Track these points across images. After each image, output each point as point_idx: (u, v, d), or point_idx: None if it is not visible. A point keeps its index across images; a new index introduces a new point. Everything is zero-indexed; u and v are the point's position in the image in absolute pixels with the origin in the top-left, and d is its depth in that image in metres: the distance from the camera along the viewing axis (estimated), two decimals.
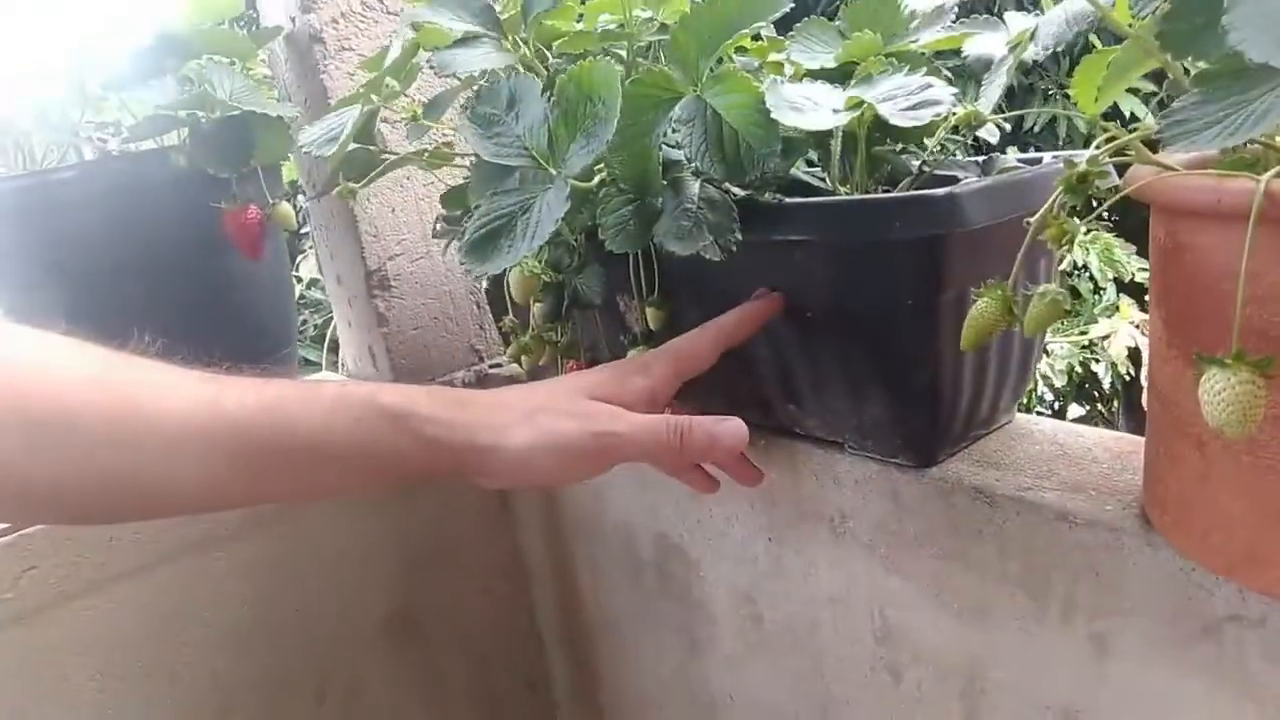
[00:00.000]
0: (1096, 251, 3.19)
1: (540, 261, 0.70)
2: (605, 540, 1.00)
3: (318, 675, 1.02)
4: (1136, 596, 0.54)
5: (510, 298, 0.76)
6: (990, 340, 0.48)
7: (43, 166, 0.84)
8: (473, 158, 0.65)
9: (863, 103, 0.52)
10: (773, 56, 0.69)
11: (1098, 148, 0.40)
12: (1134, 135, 0.40)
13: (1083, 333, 3.32)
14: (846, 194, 0.61)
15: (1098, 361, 3.37)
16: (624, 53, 0.67)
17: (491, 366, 1.08)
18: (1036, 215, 0.41)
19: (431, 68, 0.61)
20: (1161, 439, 0.50)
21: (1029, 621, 0.61)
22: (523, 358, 0.76)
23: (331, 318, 1.29)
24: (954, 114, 0.52)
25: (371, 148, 0.74)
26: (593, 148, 0.53)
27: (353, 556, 1.03)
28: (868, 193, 0.61)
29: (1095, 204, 0.43)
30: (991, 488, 0.60)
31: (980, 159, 0.64)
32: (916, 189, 0.61)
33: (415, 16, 0.62)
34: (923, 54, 0.63)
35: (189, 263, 0.86)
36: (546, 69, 0.67)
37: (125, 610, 0.88)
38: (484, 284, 0.83)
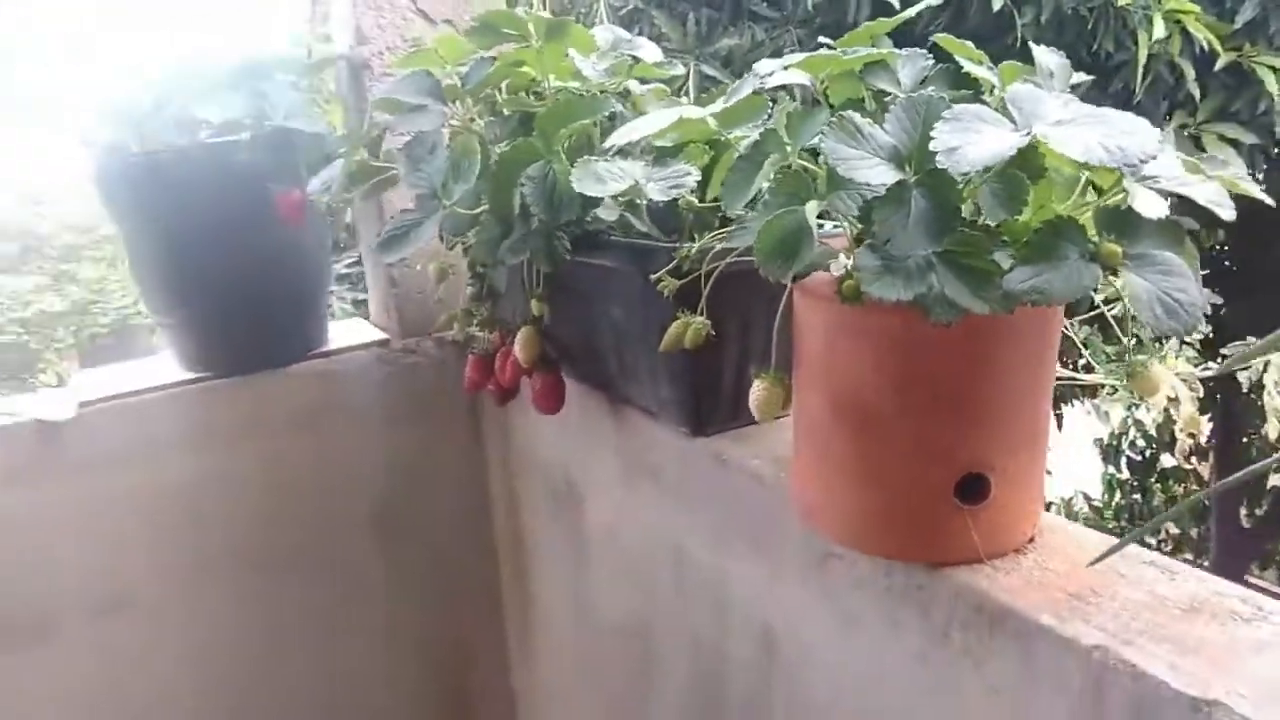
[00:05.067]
0: None
1: (467, 261, 0.99)
2: (536, 471, 1.29)
3: (312, 550, 1.35)
4: (788, 535, 0.78)
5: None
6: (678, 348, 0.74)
7: (152, 148, 1.17)
8: None
9: (635, 181, 0.78)
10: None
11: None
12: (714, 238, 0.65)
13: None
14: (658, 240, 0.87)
15: (1146, 410, 3.39)
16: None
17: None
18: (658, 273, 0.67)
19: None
20: (795, 441, 0.74)
21: (746, 554, 0.86)
22: (455, 325, 1.05)
23: None
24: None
25: (374, 163, 1.03)
26: (464, 188, 0.81)
27: (351, 460, 1.36)
28: (668, 242, 0.87)
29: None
30: (725, 455, 0.85)
31: None
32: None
33: (385, 93, 0.91)
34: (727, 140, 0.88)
35: (252, 228, 1.19)
36: (481, 126, 0.96)
37: (171, 476, 1.23)
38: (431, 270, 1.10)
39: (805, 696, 0.82)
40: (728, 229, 0.73)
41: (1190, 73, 2.61)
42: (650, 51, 0.97)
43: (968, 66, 0.63)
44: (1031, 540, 0.66)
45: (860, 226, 0.56)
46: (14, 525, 1.17)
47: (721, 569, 0.91)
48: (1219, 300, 3.09)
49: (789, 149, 0.57)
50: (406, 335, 1.37)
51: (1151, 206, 0.50)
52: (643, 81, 0.99)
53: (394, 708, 1.45)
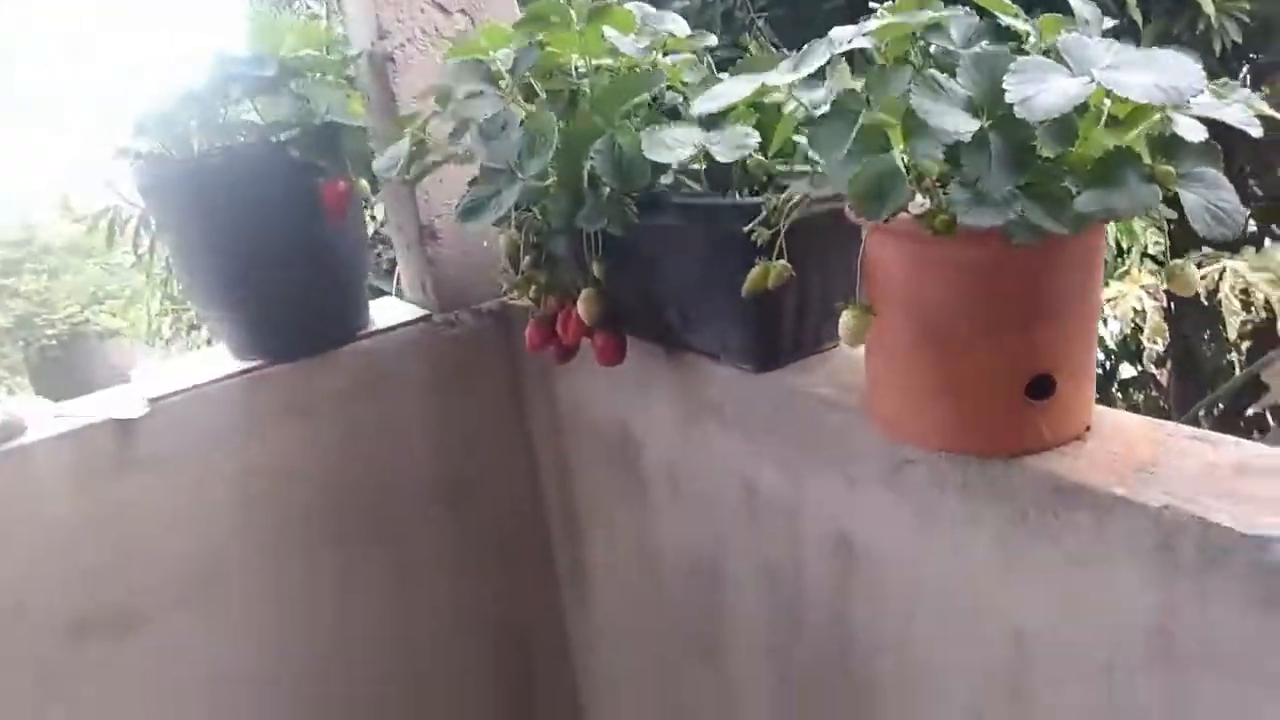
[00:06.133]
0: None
1: (522, 231, 1.06)
2: (589, 430, 1.37)
3: (374, 522, 1.42)
4: (861, 450, 0.88)
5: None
6: (763, 289, 0.82)
7: (198, 153, 1.21)
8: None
9: (704, 146, 0.86)
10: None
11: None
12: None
13: None
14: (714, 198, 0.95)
15: (1103, 325, 3.59)
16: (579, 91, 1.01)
17: (509, 300, 1.45)
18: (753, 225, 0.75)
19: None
20: (869, 363, 0.83)
21: (819, 471, 0.95)
22: (515, 291, 1.12)
23: None
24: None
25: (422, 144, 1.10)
26: (540, 163, 0.88)
27: (403, 432, 1.43)
28: (727, 197, 0.95)
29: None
30: (793, 384, 0.94)
31: None
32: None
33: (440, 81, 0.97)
34: (776, 106, 0.96)
35: (300, 219, 1.24)
36: (532, 103, 1.02)
37: (239, 461, 1.29)
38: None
39: (886, 600, 0.92)
40: (790, 181, 0.81)
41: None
42: (680, 25, 1.04)
43: (1006, 20, 0.72)
44: (1089, 429, 0.76)
45: (942, 169, 0.64)
46: (98, 523, 1.23)
47: (793, 489, 1.00)
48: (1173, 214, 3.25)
49: (871, 105, 0.65)
50: (444, 309, 1.44)
51: (1193, 131, 0.60)
52: (665, 54, 1.06)
53: (454, 667, 1.54)
